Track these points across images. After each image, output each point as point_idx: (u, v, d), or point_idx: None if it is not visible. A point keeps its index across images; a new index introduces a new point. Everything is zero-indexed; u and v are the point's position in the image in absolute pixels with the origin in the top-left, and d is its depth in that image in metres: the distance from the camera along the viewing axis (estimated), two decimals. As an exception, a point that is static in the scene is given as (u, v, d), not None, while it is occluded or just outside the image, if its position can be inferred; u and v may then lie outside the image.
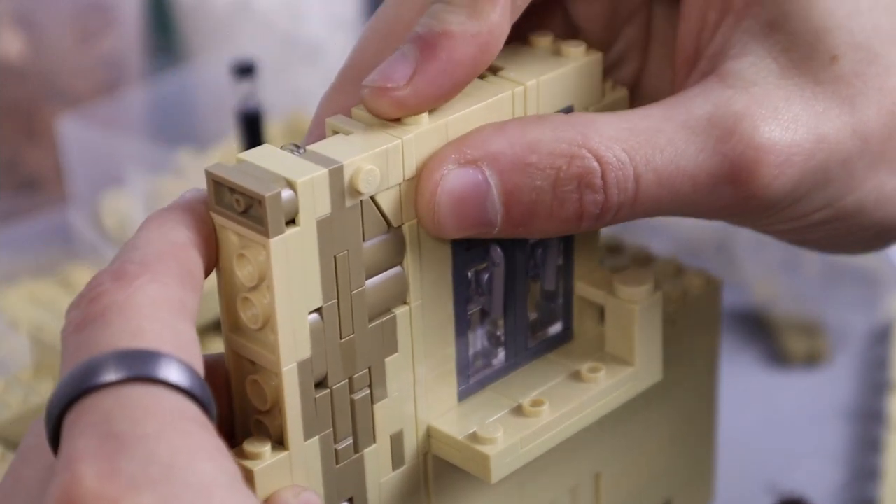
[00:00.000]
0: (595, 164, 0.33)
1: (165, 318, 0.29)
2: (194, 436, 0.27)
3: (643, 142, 0.33)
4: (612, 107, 0.37)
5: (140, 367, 0.28)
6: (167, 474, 0.26)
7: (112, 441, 0.27)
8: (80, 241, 0.64)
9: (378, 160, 0.31)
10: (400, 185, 0.32)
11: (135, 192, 0.65)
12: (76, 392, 0.28)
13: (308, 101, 0.72)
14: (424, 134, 0.32)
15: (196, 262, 0.31)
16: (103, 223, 0.66)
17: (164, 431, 0.27)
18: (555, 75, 0.35)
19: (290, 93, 0.74)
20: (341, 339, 0.32)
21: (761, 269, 0.63)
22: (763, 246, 0.63)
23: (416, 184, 0.33)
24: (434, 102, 0.33)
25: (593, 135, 0.33)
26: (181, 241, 0.30)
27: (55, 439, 0.28)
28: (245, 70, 0.61)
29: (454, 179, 0.33)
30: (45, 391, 0.42)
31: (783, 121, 0.34)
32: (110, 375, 0.28)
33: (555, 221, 0.33)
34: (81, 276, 0.62)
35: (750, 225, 0.37)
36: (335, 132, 0.33)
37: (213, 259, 0.31)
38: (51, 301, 0.60)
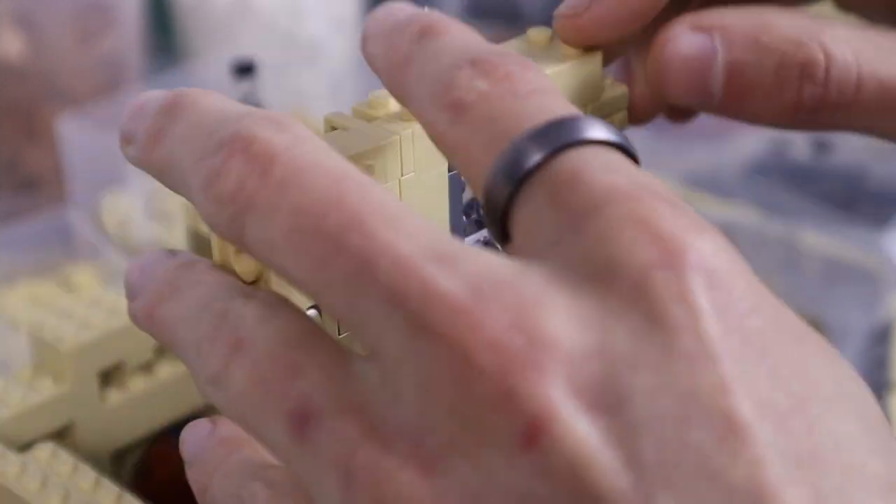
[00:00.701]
0: (822, 56, 0.34)
1: None
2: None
3: (873, 51, 0.34)
4: (612, 104, 0.37)
5: (611, 133, 0.26)
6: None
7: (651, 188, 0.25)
8: (80, 242, 0.64)
9: (375, 156, 0.31)
10: (398, 181, 0.32)
11: (135, 192, 0.65)
12: (556, 146, 0.26)
13: (308, 101, 0.72)
14: (422, 131, 0.32)
15: None
16: (103, 223, 0.66)
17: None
18: (554, 72, 0.35)
19: (290, 93, 0.74)
20: (339, 335, 0.32)
21: (761, 269, 0.63)
22: (763, 245, 0.63)
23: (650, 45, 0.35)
24: (612, 31, 0.34)
25: (828, 31, 0.34)
26: None
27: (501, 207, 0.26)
28: (245, 69, 0.61)
29: (684, 41, 0.34)
30: (44, 391, 0.42)
31: None
32: (594, 133, 0.26)
33: (772, 106, 0.35)
34: (81, 277, 0.62)
35: None
36: (333, 128, 0.33)
37: None
38: (51, 301, 0.60)
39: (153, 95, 0.30)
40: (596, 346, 0.23)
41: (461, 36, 0.29)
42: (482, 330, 0.23)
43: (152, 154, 0.29)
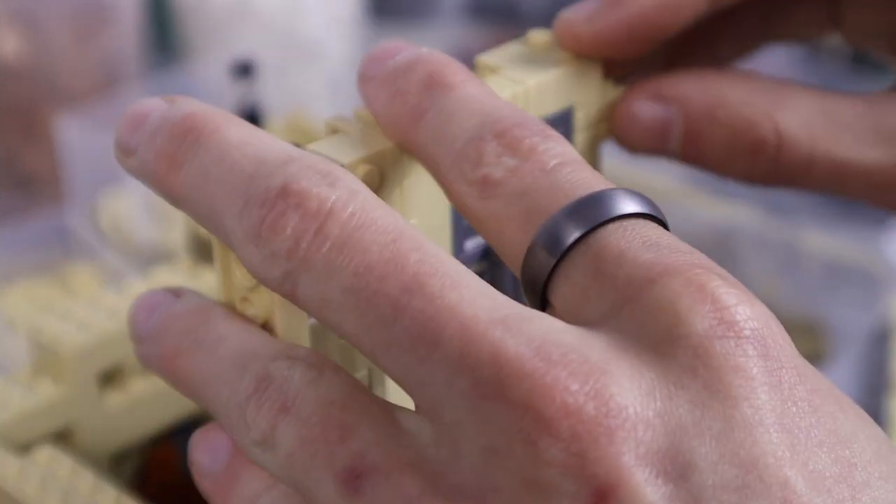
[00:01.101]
0: (773, 137, 0.35)
1: None
2: None
3: (829, 132, 0.35)
4: (612, 107, 0.36)
5: (645, 205, 0.27)
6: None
7: (704, 261, 0.26)
8: (79, 242, 0.64)
9: (378, 160, 0.31)
10: (401, 184, 0.32)
11: (133, 192, 0.65)
12: (594, 223, 0.27)
13: (308, 102, 0.72)
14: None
15: None
16: (101, 224, 0.66)
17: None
18: (555, 75, 0.35)
19: (290, 93, 0.74)
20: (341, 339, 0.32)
21: (761, 269, 0.63)
22: (763, 246, 0.63)
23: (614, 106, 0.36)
24: (608, 47, 0.35)
25: (784, 108, 0.35)
26: None
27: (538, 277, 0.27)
28: (244, 69, 0.61)
29: (643, 109, 0.35)
30: (43, 392, 0.42)
31: None
32: (627, 208, 0.27)
33: (727, 171, 0.36)
34: (80, 277, 0.62)
35: None
36: (335, 131, 0.32)
37: None
38: (49, 301, 0.60)
39: (155, 107, 0.30)
40: (660, 415, 0.24)
41: (472, 91, 0.30)
42: (554, 396, 0.24)
43: (166, 179, 0.29)
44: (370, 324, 0.25)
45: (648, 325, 0.25)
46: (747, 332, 0.25)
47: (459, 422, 0.24)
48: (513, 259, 0.28)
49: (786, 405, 0.24)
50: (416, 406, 0.26)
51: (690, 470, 0.23)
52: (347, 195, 0.27)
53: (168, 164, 0.29)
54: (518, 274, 0.28)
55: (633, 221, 0.27)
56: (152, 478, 0.44)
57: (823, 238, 0.64)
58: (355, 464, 0.25)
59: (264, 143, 0.28)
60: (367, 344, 0.26)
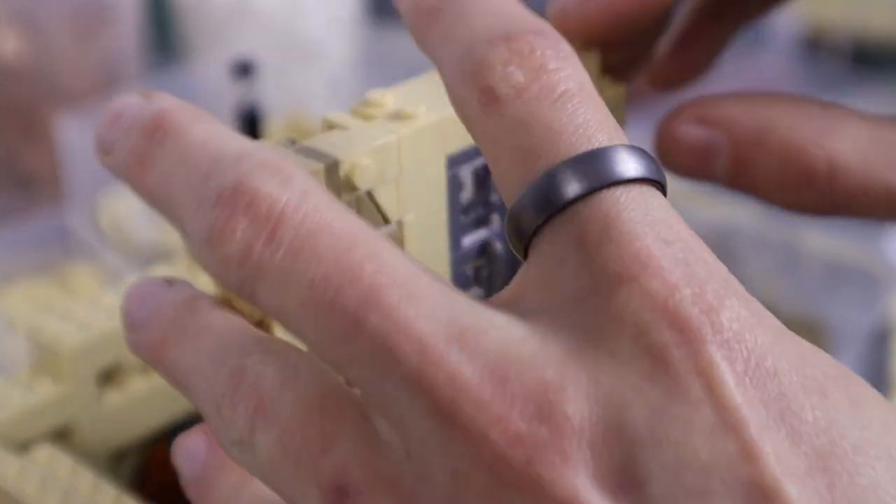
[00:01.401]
0: (825, 165, 0.34)
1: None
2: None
3: (882, 158, 0.34)
4: (610, 103, 0.36)
5: (646, 168, 0.26)
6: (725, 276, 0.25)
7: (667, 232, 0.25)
8: (78, 242, 0.64)
9: (374, 155, 0.31)
10: (396, 180, 0.32)
11: (133, 192, 0.65)
12: (591, 186, 0.25)
13: (307, 101, 0.72)
14: (421, 130, 0.32)
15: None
16: (101, 224, 0.66)
17: (691, 237, 0.26)
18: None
19: (290, 93, 0.74)
20: None
21: (761, 269, 0.63)
22: (763, 246, 0.63)
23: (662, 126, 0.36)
24: (592, 29, 0.34)
25: (835, 135, 0.34)
26: None
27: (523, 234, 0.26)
28: (244, 69, 0.61)
29: (690, 133, 0.35)
30: (43, 391, 0.42)
31: None
32: (629, 171, 0.26)
33: (780, 200, 0.35)
34: (80, 277, 0.62)
35: None
36: (331, 127, 0.32)
37: None
38: (49, 301, 0.60)
39: (130, 104, 0.29)
40: (618, 426, 0.24)
41: None
42: (507, 423, 0.24)
43: (136, 177, 0.28)
44: (329, 337, 0.25)
45: (611, 329, 0.25)
46: (710, 337, 0.24)
47: (424, 440, 0.24)
48: (505, 193, 0.27)
49: (752, 405, 0.24)
50: (388, 422, 0.26)
51: (649, 481, 0.23)
52: (299, 197, 0.26)
53: (138, 162, 0.28)
54: (507, 208, 0.27)
55: (631, 190, 0.26)
56: (152, 477, 0.44)
57: (823, 238, 0.64)
58: (339, 481, 0.25)
59: (223, 140, 0.27)
60: (330, 357, 0.25)
